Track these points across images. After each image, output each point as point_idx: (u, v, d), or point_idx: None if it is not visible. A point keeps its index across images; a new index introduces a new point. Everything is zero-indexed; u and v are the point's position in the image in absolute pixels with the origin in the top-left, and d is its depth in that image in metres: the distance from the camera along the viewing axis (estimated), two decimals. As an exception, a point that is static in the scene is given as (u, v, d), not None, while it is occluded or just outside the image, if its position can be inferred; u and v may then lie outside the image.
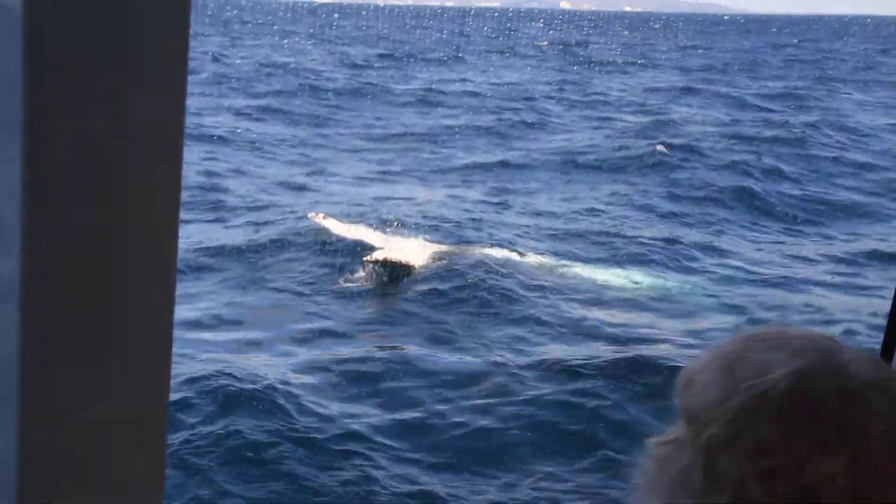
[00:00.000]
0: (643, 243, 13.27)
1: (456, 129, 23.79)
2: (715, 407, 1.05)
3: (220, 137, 21.22)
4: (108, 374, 0.77)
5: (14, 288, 0.74)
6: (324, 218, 13.03)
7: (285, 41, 55.34)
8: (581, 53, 54.00)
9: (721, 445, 1.04)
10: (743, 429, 1.02)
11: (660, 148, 19.39)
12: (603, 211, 15.53)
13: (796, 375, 1.03)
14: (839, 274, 12.42)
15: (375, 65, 41.45)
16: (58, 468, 0.78)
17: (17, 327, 0.74)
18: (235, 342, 9.34)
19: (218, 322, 9.86)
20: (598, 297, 11.02)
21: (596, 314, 10.39)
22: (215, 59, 38.20)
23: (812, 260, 13.19)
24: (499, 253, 12.50)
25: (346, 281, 11.30)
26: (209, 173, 17.32)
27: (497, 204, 15.73)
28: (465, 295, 10.67)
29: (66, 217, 0.74)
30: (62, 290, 0.75)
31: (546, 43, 63.29)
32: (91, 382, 0.77)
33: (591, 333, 9.78)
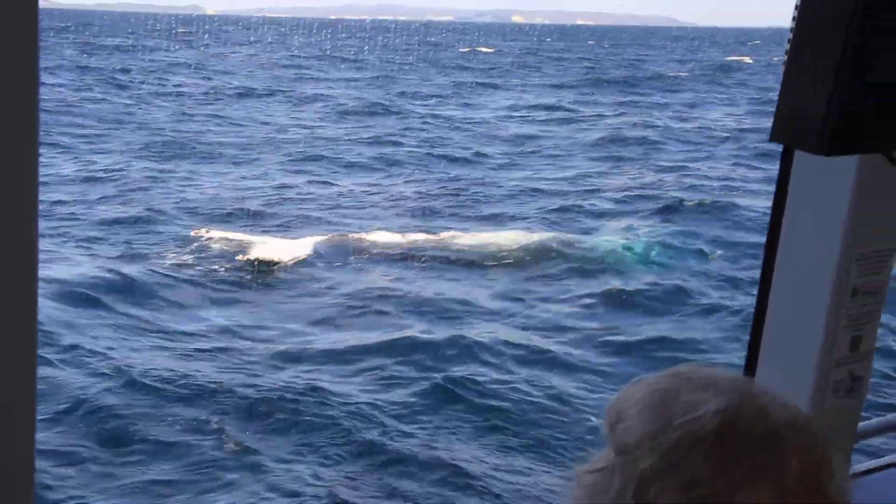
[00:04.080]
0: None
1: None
2: (648, 440, 1.14)
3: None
4: None
5: None
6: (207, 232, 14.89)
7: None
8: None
9: (654, 476, 1.12)
10: (677, 462, 1.12)
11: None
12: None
13: (725, 415, 1.13)
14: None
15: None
16: None
17: None
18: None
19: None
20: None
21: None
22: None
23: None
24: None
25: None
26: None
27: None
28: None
29: None
30: None
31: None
32: None
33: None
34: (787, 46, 1.50)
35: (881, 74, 1.49)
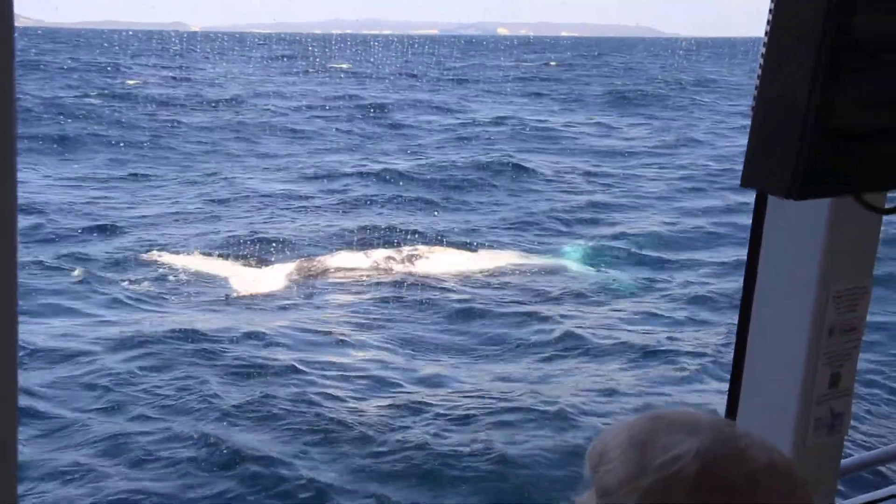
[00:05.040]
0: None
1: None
2: (629, 483, 1.14)
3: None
4: None
5: None
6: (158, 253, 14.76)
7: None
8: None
9: None
10: None
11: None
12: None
13: (704, 458, 1.13)
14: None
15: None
16: None
17: None
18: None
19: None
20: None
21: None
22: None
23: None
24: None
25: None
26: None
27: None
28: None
29: None
30: None
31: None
32: None
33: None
34: (755, 92, 1.48)
35: (849, 117, 1.47)
